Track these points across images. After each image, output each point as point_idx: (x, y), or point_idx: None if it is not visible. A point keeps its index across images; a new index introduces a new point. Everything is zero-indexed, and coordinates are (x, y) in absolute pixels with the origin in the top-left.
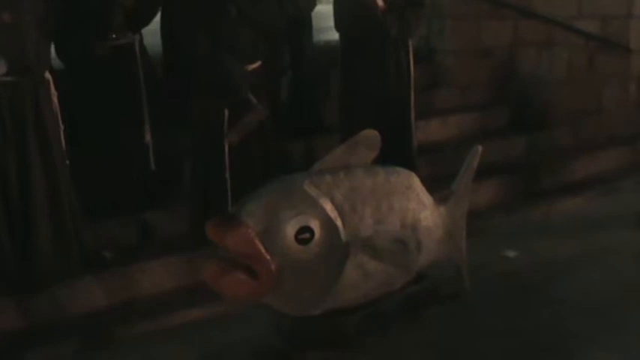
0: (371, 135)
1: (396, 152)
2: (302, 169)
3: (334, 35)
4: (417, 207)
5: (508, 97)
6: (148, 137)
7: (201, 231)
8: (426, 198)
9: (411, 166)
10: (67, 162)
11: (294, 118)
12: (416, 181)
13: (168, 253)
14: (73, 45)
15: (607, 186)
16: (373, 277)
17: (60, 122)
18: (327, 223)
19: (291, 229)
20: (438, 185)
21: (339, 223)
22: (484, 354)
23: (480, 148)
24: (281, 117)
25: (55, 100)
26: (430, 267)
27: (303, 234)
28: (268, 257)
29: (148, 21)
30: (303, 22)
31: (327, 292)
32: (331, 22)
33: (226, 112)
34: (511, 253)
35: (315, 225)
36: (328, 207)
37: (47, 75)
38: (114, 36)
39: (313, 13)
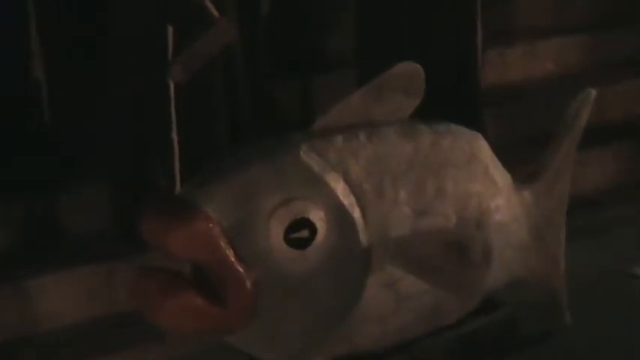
0: (410, 71)
1: (452, 100)
2: (296, 127)
3: None
4: (486, 190)
5: None
6: (38, 73)
7: (129, 226)
8: (501, 176)
9: (475, 122)
10: None
11: (283, 43)
12: (483, 148)
13: (75, 262)
14: None
15: None
16: (411, 303)
17: None
18: (338, 215)
19: (278, 224)
20: (518, 154)
21: (356, 214)
22: None
23: (592, 93)
24: (261, 41)
25: None
26: (506, 289)
27: (299, 232)
28: (241, 269)
29: None
30: None
31: (336, 326)
32: None
33: (170, 29)
34: None
35: (317, 217)
36: (339, 188)
37: None
38: None
39: None
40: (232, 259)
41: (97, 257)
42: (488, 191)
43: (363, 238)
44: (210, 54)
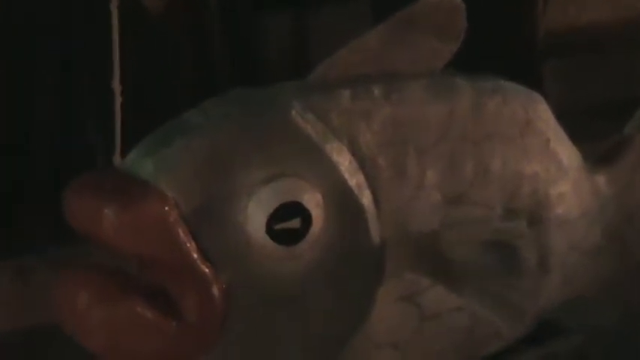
0: (445, 4)
1: (502, 47)
2: (287, 77)
3: None
4: (545, 172)
5: None
6: None
7: (50, 208)
8: (566, 153)
9: (532, 78)
10: None
11: None
12: (544, 114)
13: None
14: None
15: None
16: (437, 324)
17: None
18: (341, 200)
19: (260, 210)
20: (591, 125)
21: (366, 199)
22: None
23: None
24: None
25: None
26: (570, 308)
27: (287, 221)
28: (206, 269)
29: None
30: None
31: (336, 352)
32: None
33: None
34: None
35: (313, 202)
36: (344, 163)
37: None
38: None
39: None
40: (194, 255)
41: (4, 251)
42: (548, 174)
43: (375, 232)
44: None
